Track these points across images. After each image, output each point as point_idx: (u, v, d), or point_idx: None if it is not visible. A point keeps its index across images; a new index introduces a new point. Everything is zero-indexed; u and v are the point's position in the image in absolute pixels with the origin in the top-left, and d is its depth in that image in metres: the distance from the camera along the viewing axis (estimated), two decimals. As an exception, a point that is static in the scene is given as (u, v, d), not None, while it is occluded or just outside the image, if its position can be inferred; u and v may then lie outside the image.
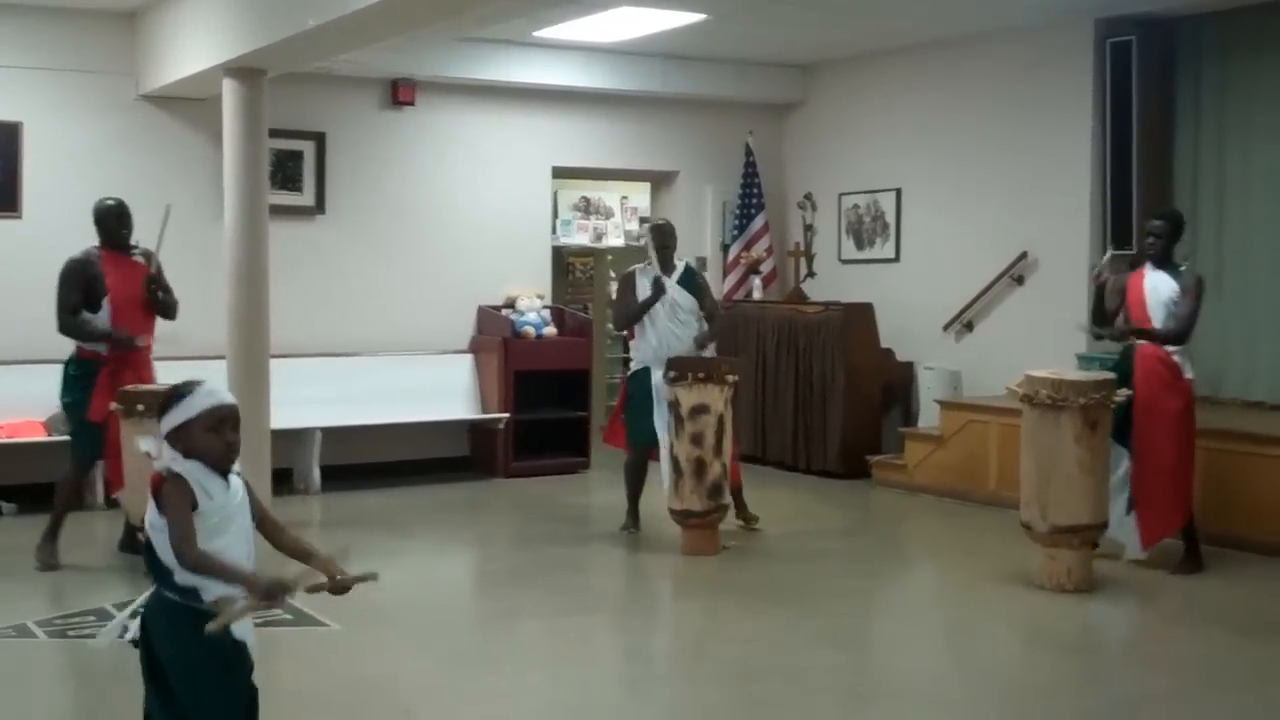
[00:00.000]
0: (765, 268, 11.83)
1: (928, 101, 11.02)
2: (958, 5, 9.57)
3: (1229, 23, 9.29)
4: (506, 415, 10.53)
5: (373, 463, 10.42)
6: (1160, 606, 6.92)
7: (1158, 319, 7.30)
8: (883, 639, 6.72)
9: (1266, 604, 6.90)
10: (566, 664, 6.02)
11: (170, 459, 3.37)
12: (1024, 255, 10.15)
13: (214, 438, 3.39)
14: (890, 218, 11.41)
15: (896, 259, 11.38)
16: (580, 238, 14.25)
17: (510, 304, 11.08)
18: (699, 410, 7.80)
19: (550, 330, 10.96)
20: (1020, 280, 10.24)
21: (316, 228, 10.55)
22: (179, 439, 3.39)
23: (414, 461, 10.43)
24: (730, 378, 7.92)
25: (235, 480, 3.45)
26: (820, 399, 10.65)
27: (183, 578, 3.31)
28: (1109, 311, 7.56)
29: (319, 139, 10.53)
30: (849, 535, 8.85)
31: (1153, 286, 7.35)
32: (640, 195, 13.79)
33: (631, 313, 8.44)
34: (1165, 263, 7.39)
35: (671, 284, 8.32)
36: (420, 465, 10.48)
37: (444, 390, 10.71)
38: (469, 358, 10.97)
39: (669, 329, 8.30)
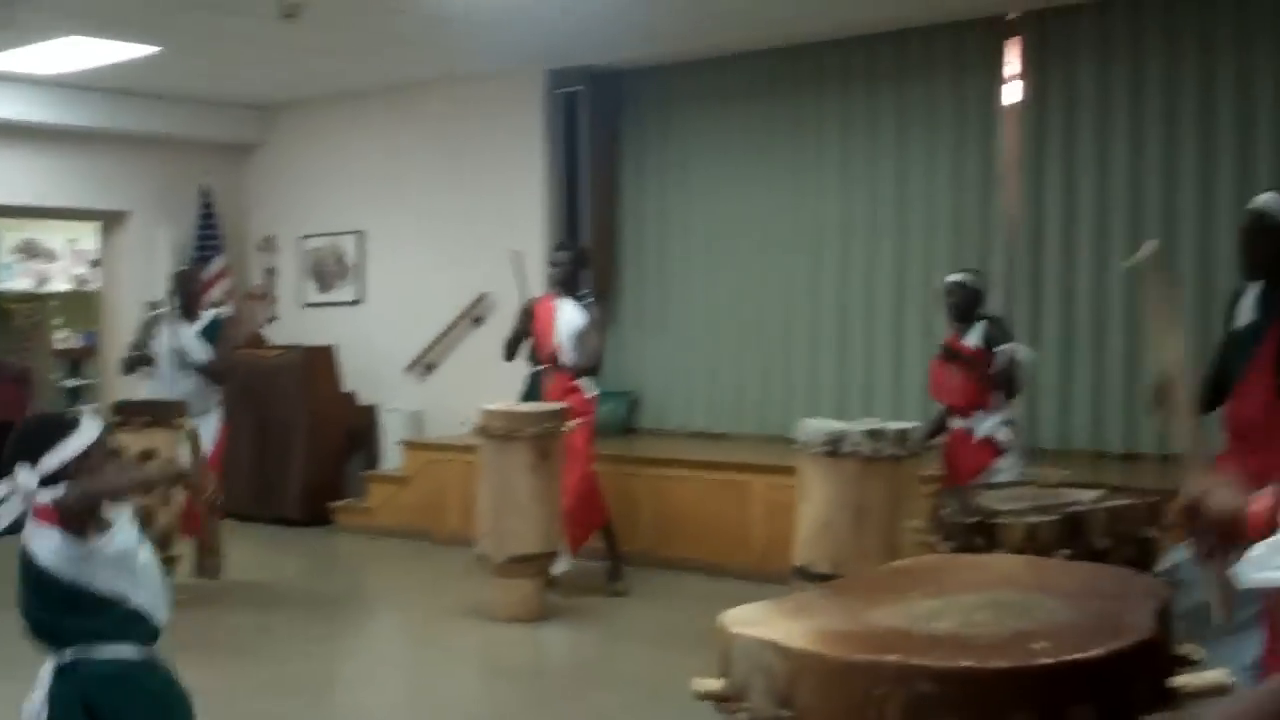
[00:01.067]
0: (224, 312, 11.42)
1: (388, 145, 11.03)
2: (413, 50, 9.60)
3: (671, 76, 9.86)
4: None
5: None
6: (609, 629, 7.13)
7: (568, 346, 7.66)
8: (339, 681, 6.57)
9: (705, 620, 7.23)
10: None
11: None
12: (482, 297, 10.32)
13: (113, 463, 3.15)
14: (352, 260, 11.33)
15: (360, 301, 11.30)
16: (23, 282, 13.30)
17: (-64, 350, 10.16)
18: (146, 457, 7.39)
19: (-17, 378, 10.13)
20: (479, 321, 10.39)
21: None
22: (77, 471, 3.02)
23: None
24: (182, 421, 7.58)
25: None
26: (281, 445, 10.37)
27: (76, 622, 2.97)
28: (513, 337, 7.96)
29: None
30: (308, 582, 8.63)
31: (563, 317, 7.76)
32: (89, 237, 13.03)
33: (124, 362, 8.34)
34: (571, 292, 7.80)
35: (186, 333, 8.14)
36: None
37: None
38: (-113, 409, 9.95)
39: (174, 377, 8.04)
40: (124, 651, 3.10)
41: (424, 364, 10.70)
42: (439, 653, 6.80)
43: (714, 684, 2.22)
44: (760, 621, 2.18)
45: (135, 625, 3.13)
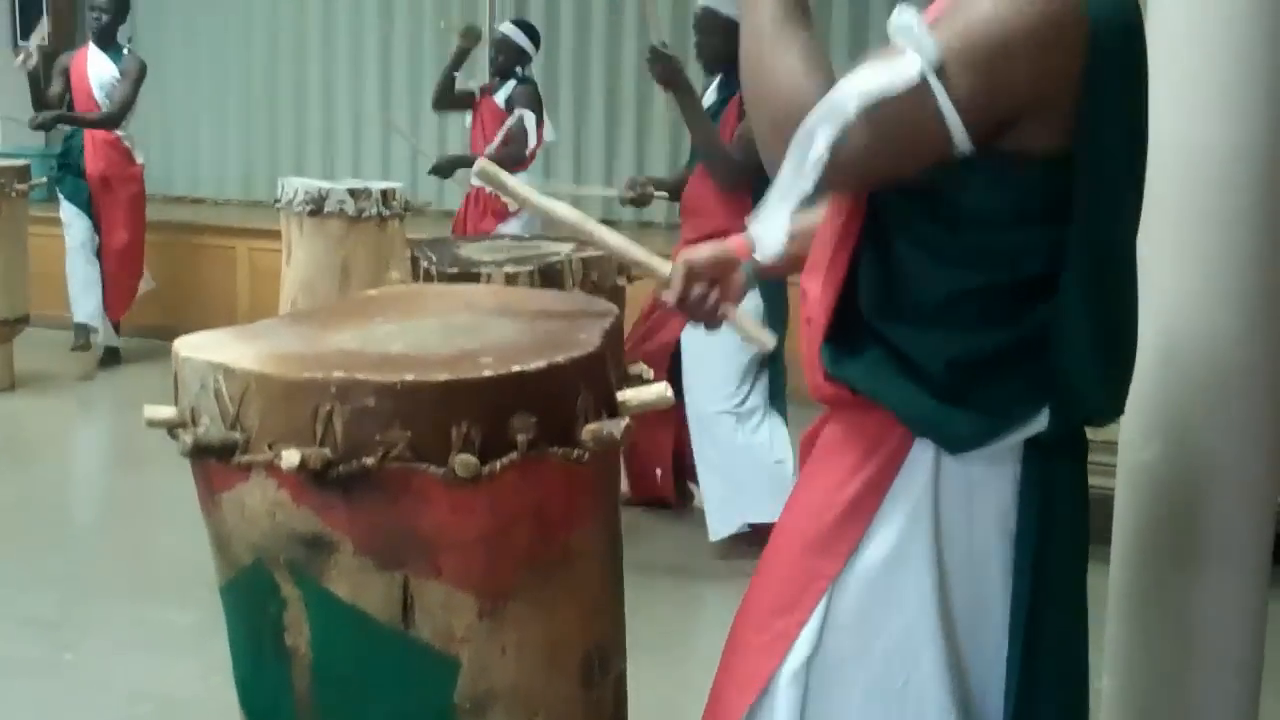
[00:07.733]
0: None
1: None
2: None
3: None
4: None
5: None
6: (82, 398, 6.85)
7: (100, 102, 7.14)
8: None
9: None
10: None
11: None
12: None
13: None
14: None
15: None
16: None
17: None
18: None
19: None
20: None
21: None
22: None
23: None
24: None
25: None
26: None
27: None
28: (52, 96, 7.18)
29: None
30: None
31: (95, 70, 7.16)
32: None
33: None
34: (109, 43, 7.21)
35: None
36: None
37: None
38: None
39: None
40: None
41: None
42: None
43: (166, 411, 2.17)
44: (211, 346, 2.14)
45: None
